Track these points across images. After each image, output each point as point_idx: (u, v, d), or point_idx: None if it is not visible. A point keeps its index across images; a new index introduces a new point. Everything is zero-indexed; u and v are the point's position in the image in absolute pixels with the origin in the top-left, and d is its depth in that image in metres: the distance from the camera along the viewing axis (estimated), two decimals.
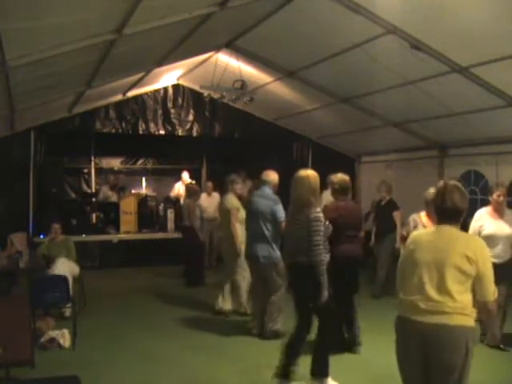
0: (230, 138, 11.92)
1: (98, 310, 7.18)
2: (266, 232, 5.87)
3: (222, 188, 8.04)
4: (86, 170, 13.24)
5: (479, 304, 3.01)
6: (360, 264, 5.62)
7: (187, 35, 6.67)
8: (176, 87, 11.15)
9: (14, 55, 4.72)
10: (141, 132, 11.16)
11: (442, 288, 2.95)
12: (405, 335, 3.10)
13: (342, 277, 5.23)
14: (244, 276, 6.73)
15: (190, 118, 11.42)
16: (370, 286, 8.15)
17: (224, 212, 6.92)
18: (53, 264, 6.96)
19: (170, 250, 10.55)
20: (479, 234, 5.44)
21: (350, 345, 5.52)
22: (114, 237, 10.77)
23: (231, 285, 6.93)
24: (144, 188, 13.45)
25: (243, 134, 11.74)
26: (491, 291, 3.00)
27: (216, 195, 10.11)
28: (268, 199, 5.96)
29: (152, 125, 11.16)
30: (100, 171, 13.32)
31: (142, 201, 11.67)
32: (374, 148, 11.21)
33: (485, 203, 5.89)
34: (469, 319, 2.96)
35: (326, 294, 4.48)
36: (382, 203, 8.37)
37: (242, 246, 6.52)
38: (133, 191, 12.84)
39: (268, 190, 6.02)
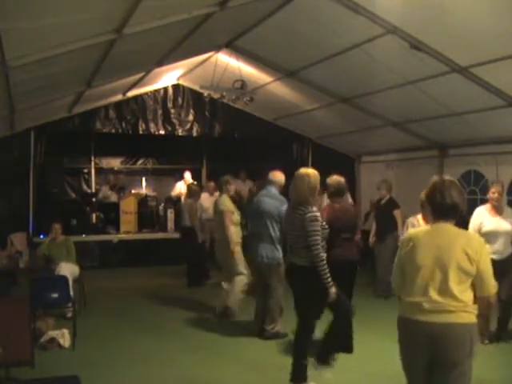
0: (230, 138, 11.89)
1: (98, 310, 7.18)
2: (272, 232, 5.83)
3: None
4: (86, 170, 13.23)
5: (480, 299, 3.04)
6: (356, 266, 5.54)
7: (187, 35, 6.66)
8: (176, 87, 11.13)
9: (13, 55, 4.71)
10: (141, 132, 11.14)
11: (445, 290, 2.96)
12: (409, 335, 3.10)
13: (337, 279, 5.21)
14: (241, 278, 6.62)
15: (190, 117, 11.40)
16: (371, 286, 8.14)
17: (218, 214, 6.86)
18: (57, 266, 6.96)
19: (170, 250, 10.57)
20: (479, 231, 5.47)
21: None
22: (114, 237, 10.78)
23: (228, 285, 6.84)
24: (144, 188, 13.44)
25: (243, 134, 11.72)
26: (492, 286, 3.04)
27: (217, 195, 10.08)
28: (275, 199, 5.92)
29: (152, 125, 11.13)
30: (100, 171, 13.31)
31: (142, 201, 11.68)
32: (374, 148, 11.20)
33: (485, 203, 5.91)
34: (471, 316, 2.99)
35: (333, 291, 4.44)
36: (382, 202, 8.32)
37: (237, 247, 6.50)
38: (133, 191, 12.84)
39: (274, 190, 5.99)
